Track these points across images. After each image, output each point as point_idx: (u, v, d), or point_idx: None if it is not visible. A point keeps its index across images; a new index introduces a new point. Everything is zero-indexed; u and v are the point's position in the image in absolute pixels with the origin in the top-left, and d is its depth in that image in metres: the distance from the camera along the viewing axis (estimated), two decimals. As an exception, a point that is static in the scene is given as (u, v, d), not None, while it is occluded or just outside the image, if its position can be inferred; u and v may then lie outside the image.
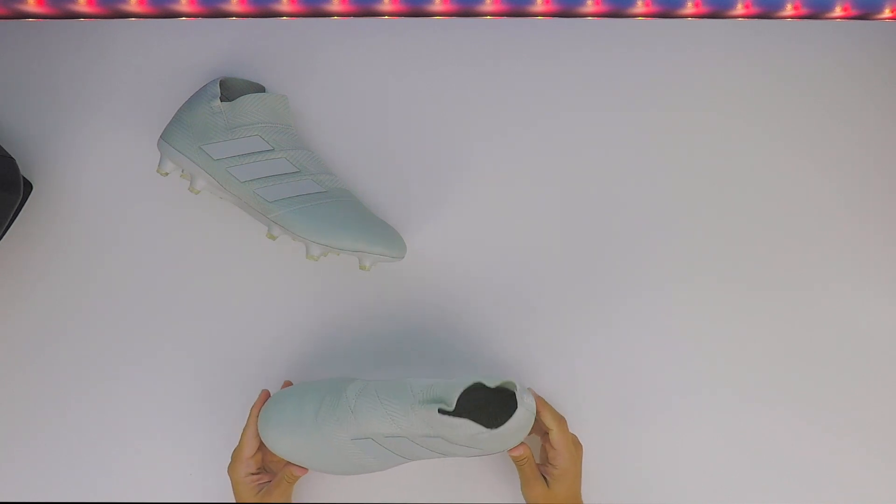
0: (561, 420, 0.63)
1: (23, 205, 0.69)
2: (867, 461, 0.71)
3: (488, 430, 0.56)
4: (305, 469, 0.61)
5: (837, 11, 0.78)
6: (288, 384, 0.66)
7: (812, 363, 0.72)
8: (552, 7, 0.76)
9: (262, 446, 0.62)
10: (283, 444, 0.59)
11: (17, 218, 0.69)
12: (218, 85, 0.65)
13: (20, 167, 0.67)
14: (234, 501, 0.62)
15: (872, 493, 0.71)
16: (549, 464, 0.62)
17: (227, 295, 0.70)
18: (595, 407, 0.70)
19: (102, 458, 0.68)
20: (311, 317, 0.71)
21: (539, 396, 0.64)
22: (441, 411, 0.56)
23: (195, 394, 0.69)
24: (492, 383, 0.57)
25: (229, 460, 0.64)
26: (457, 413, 0.57)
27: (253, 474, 0.61)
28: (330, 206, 0.65)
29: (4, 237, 0.68)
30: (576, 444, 0.64)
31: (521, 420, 0.57)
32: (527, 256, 0.72)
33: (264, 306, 0.71)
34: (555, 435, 0.61)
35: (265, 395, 0.64)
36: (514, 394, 0.58)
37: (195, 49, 0.72)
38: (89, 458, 0.68)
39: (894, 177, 0.75)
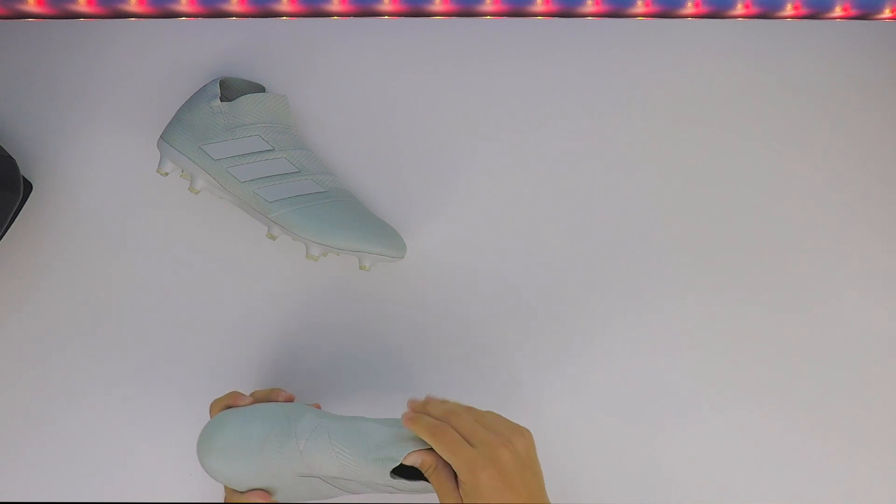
0: (452, 445, 0.52)
1: (23, 205, 0.69)
2: (868, 462, 0.71)
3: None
4: (268, 497, 0.56)
5: (837, 11, 0.78)
6: (318, 405, 0.62)
7: (813, 366, 0.72)
8: (552, 7, 0.76)
9: None
10: (223, 472, 0.55)
11: (17, 218, 0.69)
12: (218, 85, 0.65)
13: (20, 167, 0.67)
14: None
15: (874, 496, 0.70)
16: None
17: (227, 295, 0.70)
18: (595, 409, 0.70)
19: (102, 459, 0.68)
20: (311, 317, 0.71)
21: (432, 425, 0.53)
22: (396, 470, 0.54)
23: (194, 393, 0.69)
24: None
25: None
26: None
27: None
28: (330, 206, 0.65)
29: (4, 237, 0.68)
30: (479, 466, 0.51)
31: None
32: (527, 257, 0.72)
33: (264, 306, 0.71)
34: (451, 462, 0.52)
35: (231, 396, 0.60)
36: None
37: (195, 49, 0.72)
38: (89, 458, 0.68)
39: (894, 177, 0.75)
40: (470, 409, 0.56)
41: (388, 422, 0.57)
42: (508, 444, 0.52)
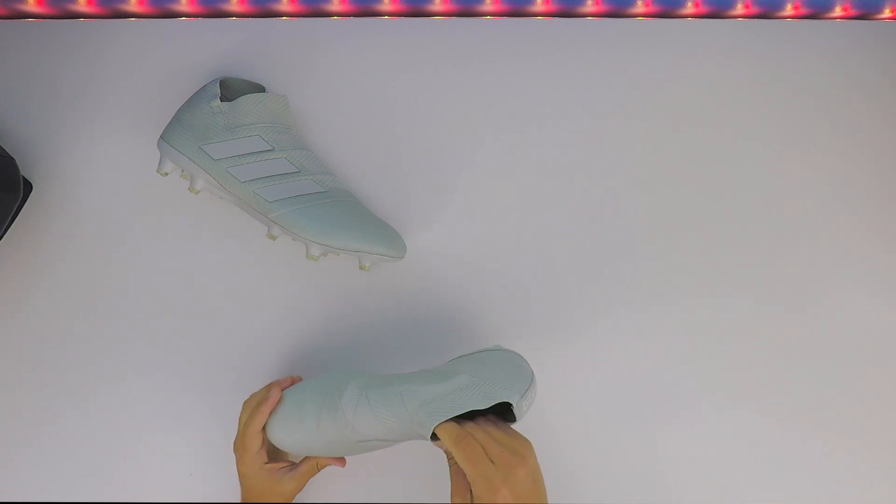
0: (475, 460, 0.53)
1: (23, 205, 0.69)
2: (868, 462, 0.71)
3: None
4: (343, 461, 0.64)
5: (837, 11, 0.78)
6: (294, 380, 0.65)
7: (814, 366, 0.72)
8: (552, 7, 0.76)
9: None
10: (289, 443, 0.60)
11: (17, 218, 0.69)
12: (218, 85, 0.65)
13: (20, 167, 0.67)
14: (243, 498, 0.62)
15: (874, 496, 0.70)
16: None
17: (227, 295, 0.70)
18: (595, 409, 0.70)
19: (103, 458, 0.68)
20: (311, 317, 0.71)
21: (462, 433, 0.55)
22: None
23: (195, 394, 0.69)
24: (485, 404, 0.55)
25: (229, 460, 0.64)
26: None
27: (267, 463, 0.62)
28: (330, 206, 0.65)
29: (4, 237, 0.68)
30: (496, 484, 0.52)
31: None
32: (527, 256, 0.72)
33: (264, 306, 0.71)
34: (469, 475, 0.53)
35: (267, 394, 0.63)
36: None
37: (195, 49, 0.72)
38: (89, 458, 0.68)
39: (894, 178, 0.75)
40: (484, 420, 0.57)
41: (424, 378, 0.58)
42: (524, 462, 0.53)
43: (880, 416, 0.72)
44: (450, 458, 0.56)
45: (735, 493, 0.70)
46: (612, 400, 0.71)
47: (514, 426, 0.58)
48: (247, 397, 0.67)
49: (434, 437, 0.56)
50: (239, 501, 0.64)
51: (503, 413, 0.59)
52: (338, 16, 0.76)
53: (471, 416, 0.57)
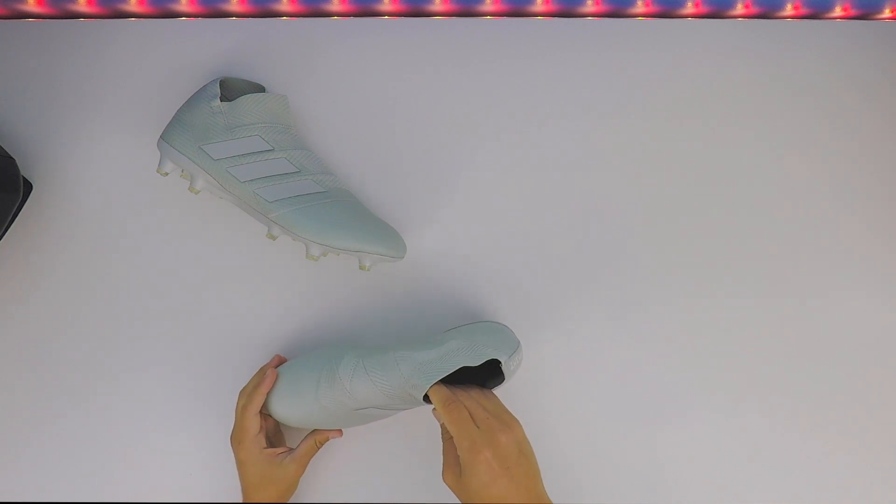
0: (460, 421, 0.55)
1: (23, 205, 0.69)
2: (868, 462, 0.71)
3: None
4: (340, 432, 0.65)
5: (837, 11, 0.78)
6: (281, 359, 0.67)
7: (814, 366, 0.72)
8: (552, 7, 0.76)
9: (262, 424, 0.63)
10: (289, 415, 0.62)
11: (17, 218, 0.69)
12: (218, 85, 0.65)
13: (20, 167, 0.67)
14: (244, 491, 0.62)
15: (874, 496, 0.71)
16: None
17: (227, 295, 0.70)
18: (596, 408, 0.70)
19: (102, 458, 0.68)
20: (311, 317, 0.71)
21: (452, 399, 0.57)
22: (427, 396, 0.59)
23: (195, 394, 0.69)
24: (475, 362, 0.60)
25: (229, 460, 0.64)
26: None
27: (265, 448, 0.62)
28: (330, 206, 0.65)
29: (4, 237, 0.68)
30: (479, 447, 0.54)
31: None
32: (527, 256, 0.72)
33: (264, 306, 0.71)
34: (454, 436, 0.55)
35: (257, 378, 0.64)
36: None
37: (195, 49, 0.72)
38: (89, 457, 0.68)
39: (894, 178, 0.75)
40: (476, 391, 0.60)
41: (417, 345, 0.62)
42: (508, 430, 0.55)
43: (880, 416, 0.72)
44: (444, 433, 0.59)
45: (735, 493, 0.70)
46: (612, 400, 0.71)
47: (502, 387, 0.62)
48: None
49: (427, 399, 0.59)
50: (240, 501, 0.64)
51: (492, 383, 0.63)
52: (338, 16, 0.76)
53: (463, 387, 0.61)
